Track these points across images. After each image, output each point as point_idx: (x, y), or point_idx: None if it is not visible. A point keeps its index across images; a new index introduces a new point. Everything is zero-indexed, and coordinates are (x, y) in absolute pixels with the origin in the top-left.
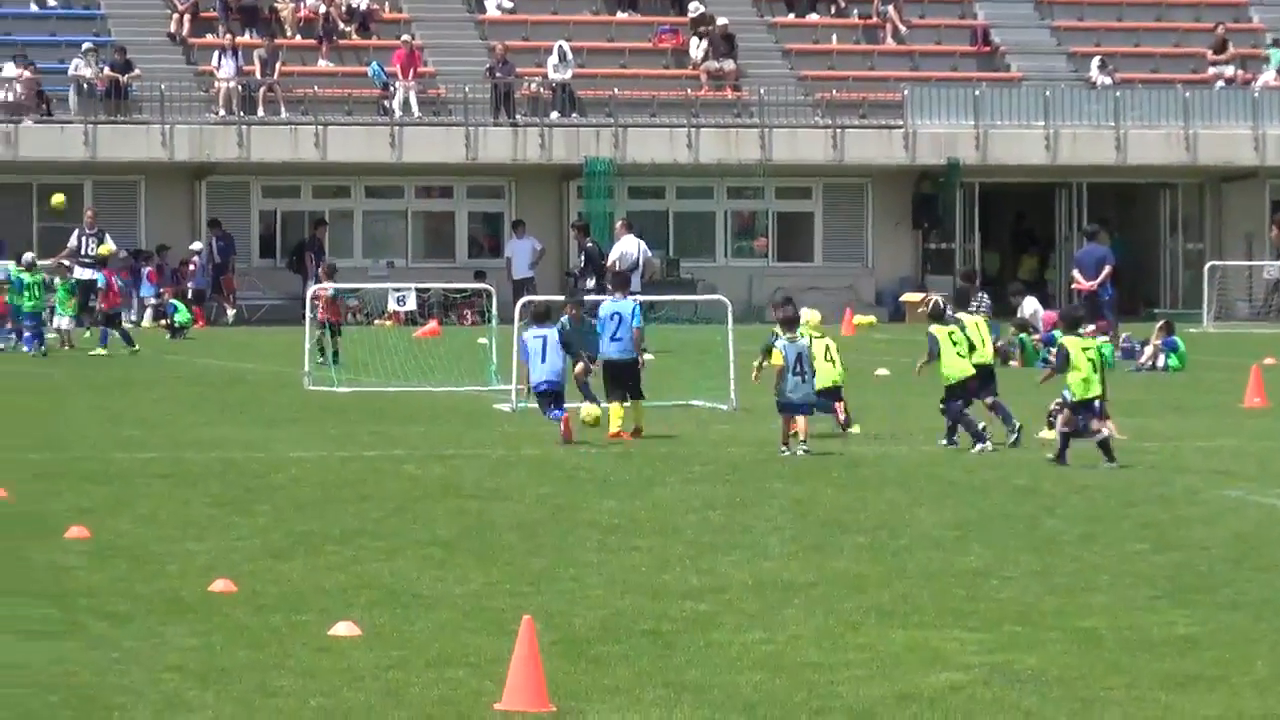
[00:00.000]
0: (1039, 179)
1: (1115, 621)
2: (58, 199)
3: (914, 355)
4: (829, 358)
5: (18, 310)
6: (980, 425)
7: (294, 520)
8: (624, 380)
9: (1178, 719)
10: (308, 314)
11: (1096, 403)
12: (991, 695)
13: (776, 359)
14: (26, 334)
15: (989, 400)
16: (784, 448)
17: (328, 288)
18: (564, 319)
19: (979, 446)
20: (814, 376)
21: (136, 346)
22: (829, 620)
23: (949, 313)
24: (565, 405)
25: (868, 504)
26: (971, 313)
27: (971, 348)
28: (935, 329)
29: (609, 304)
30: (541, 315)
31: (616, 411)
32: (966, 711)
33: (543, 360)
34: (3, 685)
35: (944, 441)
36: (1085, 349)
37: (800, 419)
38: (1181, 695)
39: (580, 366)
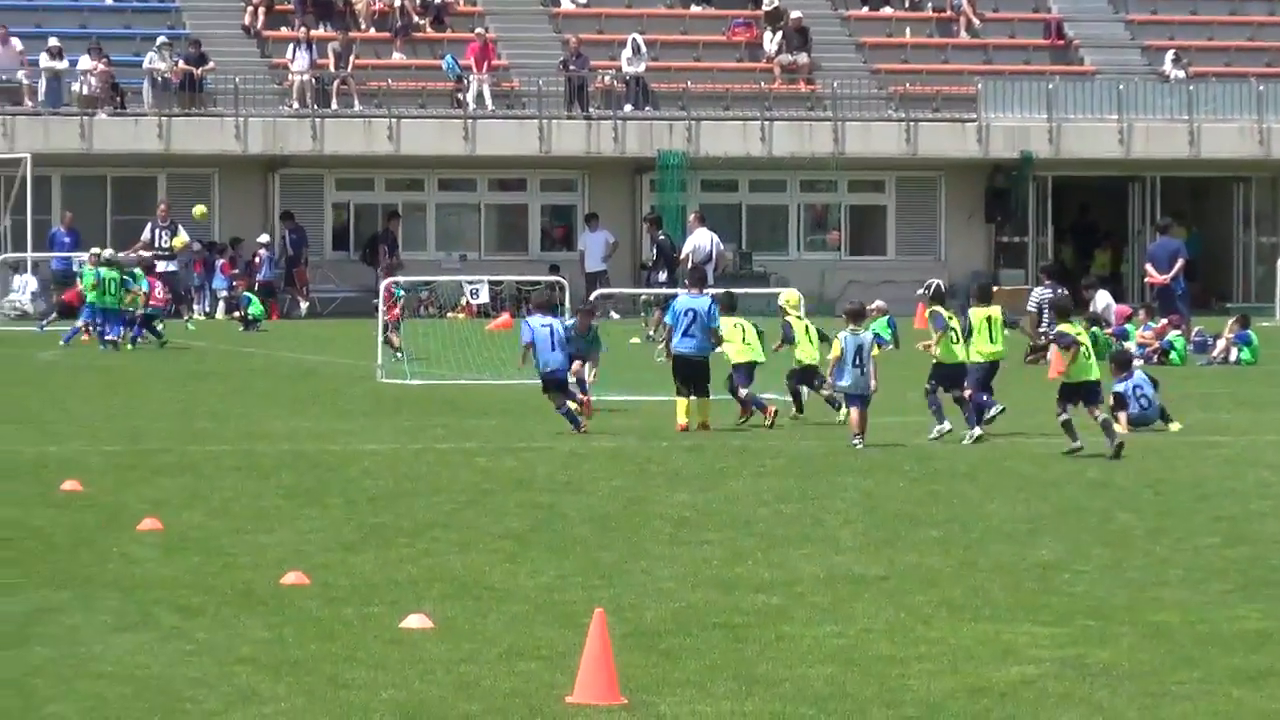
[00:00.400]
0: (1112, 172)
1: (1187, 616)
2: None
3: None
4: (810, 339)
5: (103, 305)
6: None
7: (366, 513)
8: (693, 377)
9: (1249, 714)
10: (381, 307)
11: (1093, 388)
12: (1063, 689)
13: (835, 350)
14: (103, 328)
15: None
16: (856, 439)
17: (399, 282)
18: (571, 322)
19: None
20: (871, 369)
21: (165, 339)
22: (900, 614)
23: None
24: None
25: (939, 497)
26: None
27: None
28: (941, 310)
29: (684, 299)
30: (545, 305)
31: (684, 405)
32: (1037, 705)
33: (552, 349)
34: (76, 677)
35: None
36: (1078, 334)
37: (854, 411)
38: (1253, 690)
39: (576, 364)
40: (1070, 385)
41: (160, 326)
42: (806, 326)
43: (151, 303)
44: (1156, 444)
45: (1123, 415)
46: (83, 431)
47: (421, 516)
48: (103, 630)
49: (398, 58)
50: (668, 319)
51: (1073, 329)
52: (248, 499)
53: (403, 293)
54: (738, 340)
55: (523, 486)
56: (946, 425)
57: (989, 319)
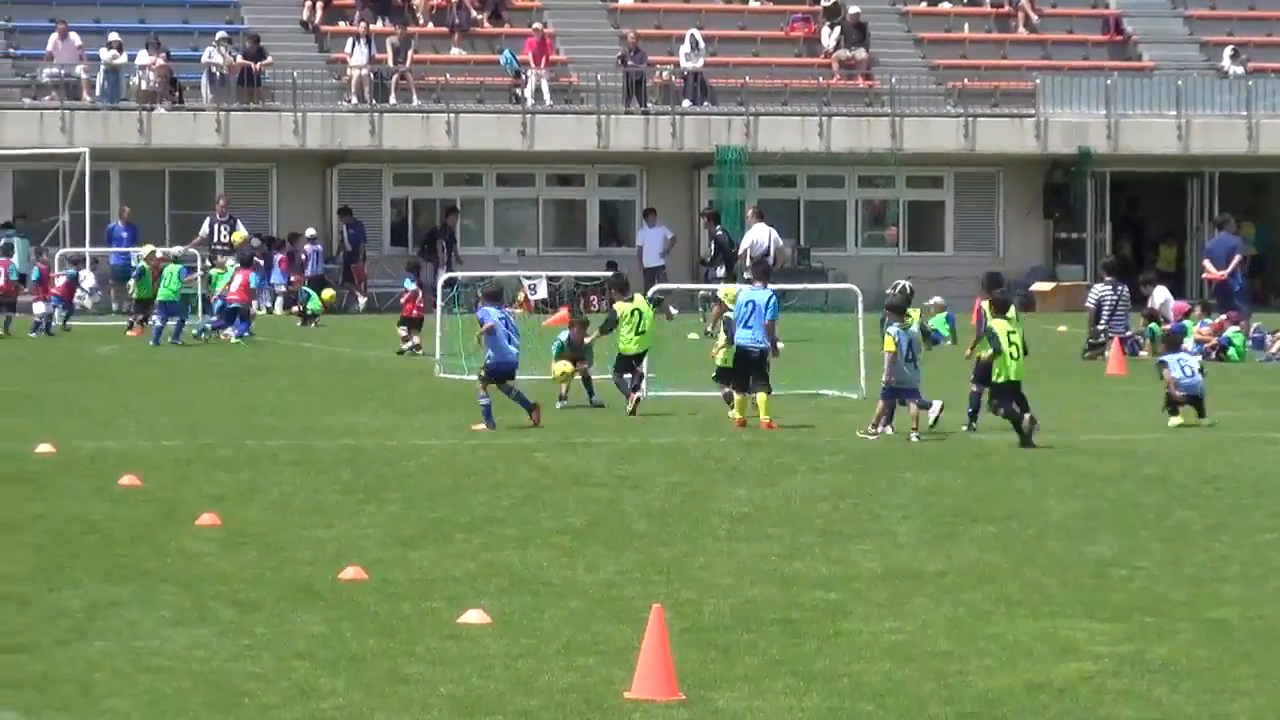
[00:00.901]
0: (1170, 168)
1: (1245, 612)
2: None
3: (1044, 345)
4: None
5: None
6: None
7: (424, 508)
8: (750, 370)
9: None
10: (439, 302)
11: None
12: (1121, 685)
13: (889, 345)
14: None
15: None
16: (888, 429)
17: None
18: (565, 335)
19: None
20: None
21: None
22: (958, 610)
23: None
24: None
25: (997, 493)
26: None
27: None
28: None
29: (746, 292)
30: (496, 295)
31: (740, 401)
32: (1095, 701)
33: (509, 340)
34: (135, 671)
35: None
36: (1010, 333)
37: (912, 405)
38: None
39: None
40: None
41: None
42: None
43: (233, 298)
44: (1214, 440)
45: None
46: (141, 426)
47: (479, 512)
48: (161, 625)
49: (456, 53)
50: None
51: (1005, 328)
52: (306, 494)
53: (414, 286)
54: (631, 330)
55: (581, 482)
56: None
57: (1008, 333)
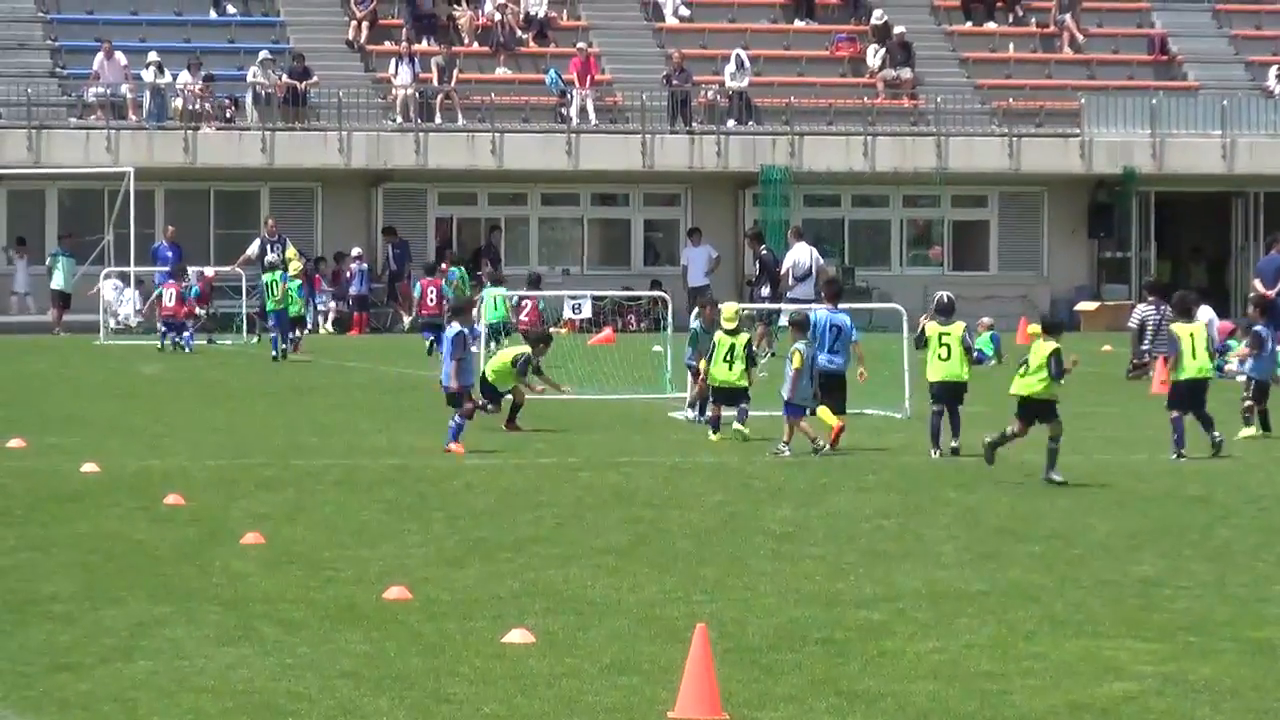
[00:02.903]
0: (1215, 188)
1: None
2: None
3: (1089, 364)
4: (735, 356)
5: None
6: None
7: (468, 527)
8: (831, 391)
9: None
10: (482, 320)
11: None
12: (1165, 705)
13: (796, 362)
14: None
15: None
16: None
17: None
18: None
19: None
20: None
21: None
22: (1002, 629)
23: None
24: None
25: (1041, 513)
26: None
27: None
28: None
29: (824, 314)
30: (462, 310)
31: (826, 413)
32: None
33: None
34: (179, 690)
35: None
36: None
37: (803, 422)
38: None
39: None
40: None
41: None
42: (732, 345)
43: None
44: (1259, 460)
45: None
46: (186, 445)
47: (523, 531)
48: (205, 644)
49: (501, 72)
50: (812, 335)
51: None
52: (350, 513)
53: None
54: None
55: (624, 501)
56: (933, 454)
57: (941, 335)
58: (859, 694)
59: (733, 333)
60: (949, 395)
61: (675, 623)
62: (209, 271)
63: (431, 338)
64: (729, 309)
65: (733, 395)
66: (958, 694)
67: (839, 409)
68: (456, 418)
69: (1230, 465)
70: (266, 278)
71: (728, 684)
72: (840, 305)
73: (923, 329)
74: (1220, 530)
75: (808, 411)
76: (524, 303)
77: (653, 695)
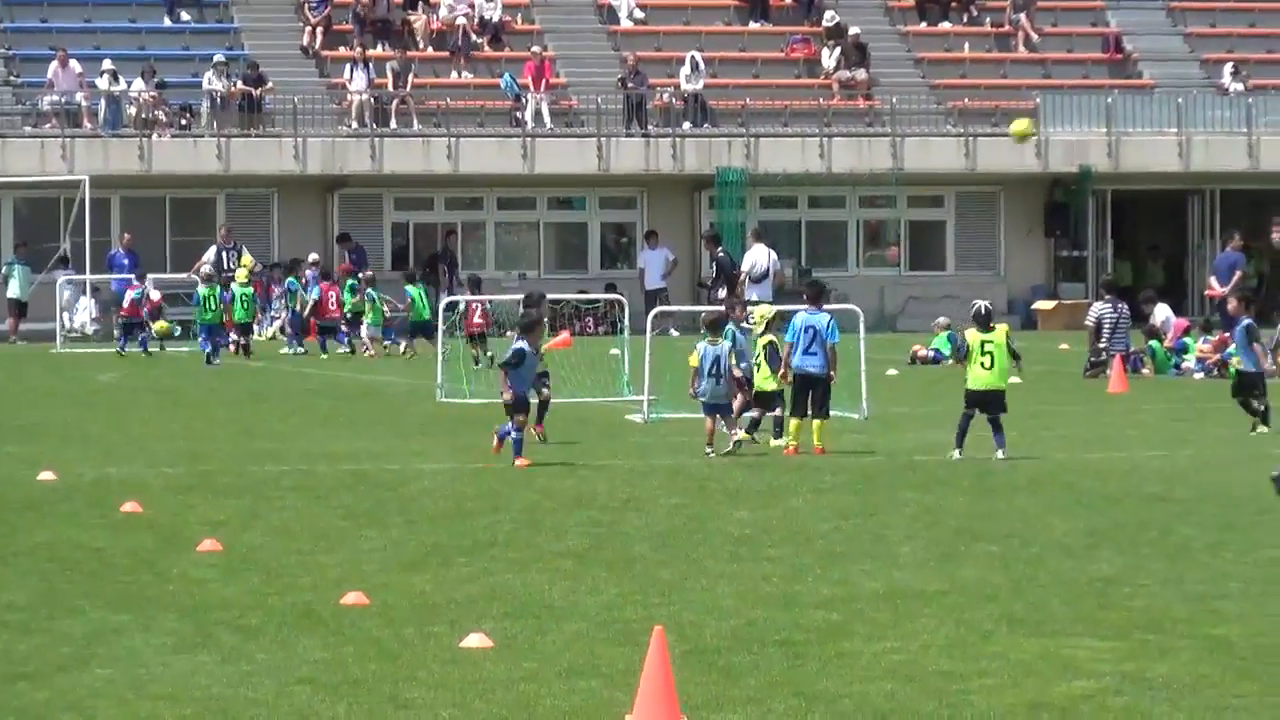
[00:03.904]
0: (1171, 185)
1: (1247, 629)
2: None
3: (1046, 362)
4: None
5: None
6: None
7: (426, 532)
8: (810, 395)
9: None
10: (440, 325)
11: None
12: (1122, 704)
13: (693, 360)
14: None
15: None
16: (708, 449)
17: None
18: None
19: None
20: (728, 380)
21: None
22: (960, 629)
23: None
24: None
25: (999, 512)
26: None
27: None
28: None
29: (803, 316)
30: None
31: (795, 425)
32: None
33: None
34: (136, 698)
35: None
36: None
37: (709, 421)
38: None
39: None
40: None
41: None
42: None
43: (130, 312)
44: (1217, 457)
45: None
46: (142, 453)
47: (481, 535)
48: (162, 651)
49: (456, 77)
50: (787, 336)
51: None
52: (307, 519)
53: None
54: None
55: (582, 505)
56: (955, 454)
57: (983, 344)
58: (817, 695)
59: (761, 335)
60: (986, 404)
61: (633, 625)
62: (155, 295)
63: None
64: (760, 311)
65: (768, 399)
66: (916, 694)
67: (820, 411)
68: (511, 431)
69: (1189, 462)
70: (203, 291)
71: (685, 686)
72: (821, 307)
73: (962, 339)
74: (1179, 528)
75: (778, 412)
76: (473, 306)
77: (611, 698)
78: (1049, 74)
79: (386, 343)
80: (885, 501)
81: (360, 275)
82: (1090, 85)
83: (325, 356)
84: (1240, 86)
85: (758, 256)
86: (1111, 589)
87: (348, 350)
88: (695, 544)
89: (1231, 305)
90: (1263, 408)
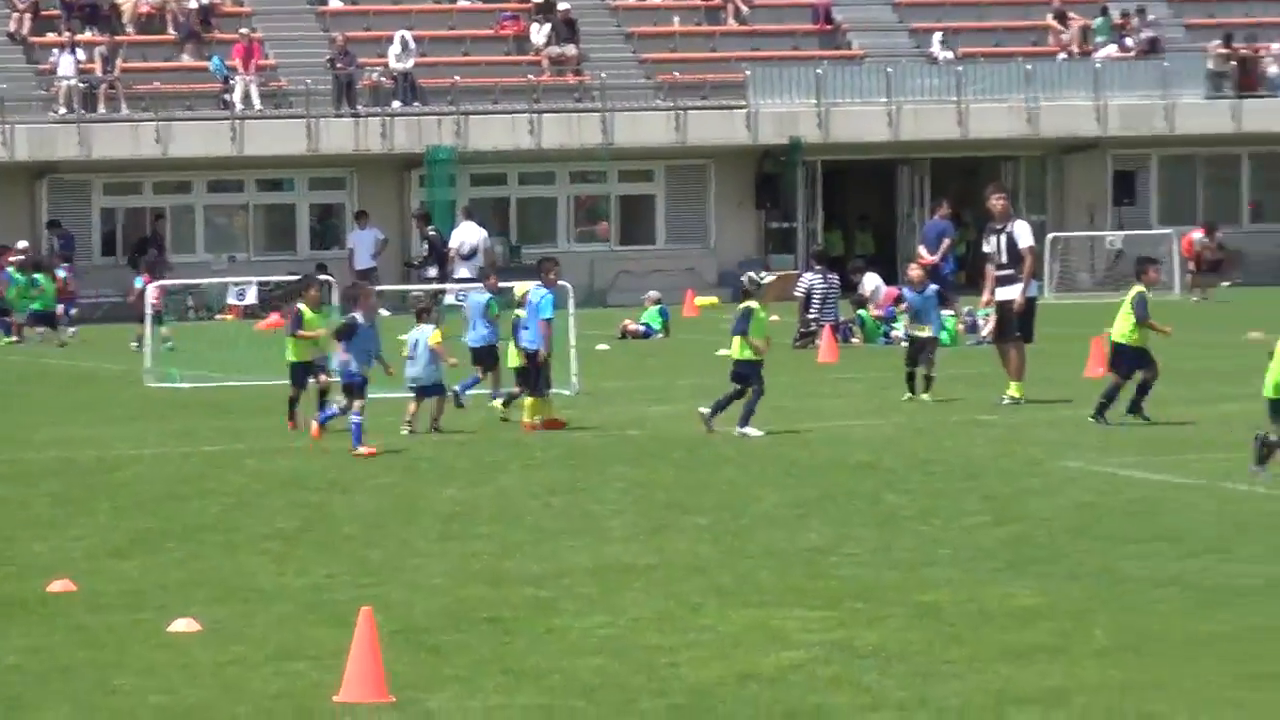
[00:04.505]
0: (881, 155)
1: (956, 595)
2: None
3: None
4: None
5: None
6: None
7: (135, 518)
8: (527, 371)
9: (1018, 690)
10: (148, 311)
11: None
12: (832, 673)
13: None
14: None
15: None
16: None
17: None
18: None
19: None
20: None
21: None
22: (669, 602)
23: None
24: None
25: (708, 485)
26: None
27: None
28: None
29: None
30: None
31: (531, 403)
32: (807, 689)
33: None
34: None
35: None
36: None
37: (426, 401)
38: (1022, 666)
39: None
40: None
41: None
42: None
43: None
44: (925, 425)
45: None
46: None
47: (190, 520)
48: None
49: (164, 60)
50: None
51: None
52: (14, 507)
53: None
54: None
55: (292, 487)
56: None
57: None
58: (526, 671)
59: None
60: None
61: (342, 607)
62: None
63: None
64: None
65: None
66: (625, 668)
67: (538, 389)
68: (334, 413)
69: (896, 431)
70: None
71: (394, 666)
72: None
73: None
74: (887, 496)
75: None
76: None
77: (319, 680)
78: (759, 46)
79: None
80: (596, 477)
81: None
82: (800, 57)
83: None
84: (950, 55)
85: (466, 234)
86: (820, 559)
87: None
88: (405, 523)
89: (914, 274)
90: (933, 375)
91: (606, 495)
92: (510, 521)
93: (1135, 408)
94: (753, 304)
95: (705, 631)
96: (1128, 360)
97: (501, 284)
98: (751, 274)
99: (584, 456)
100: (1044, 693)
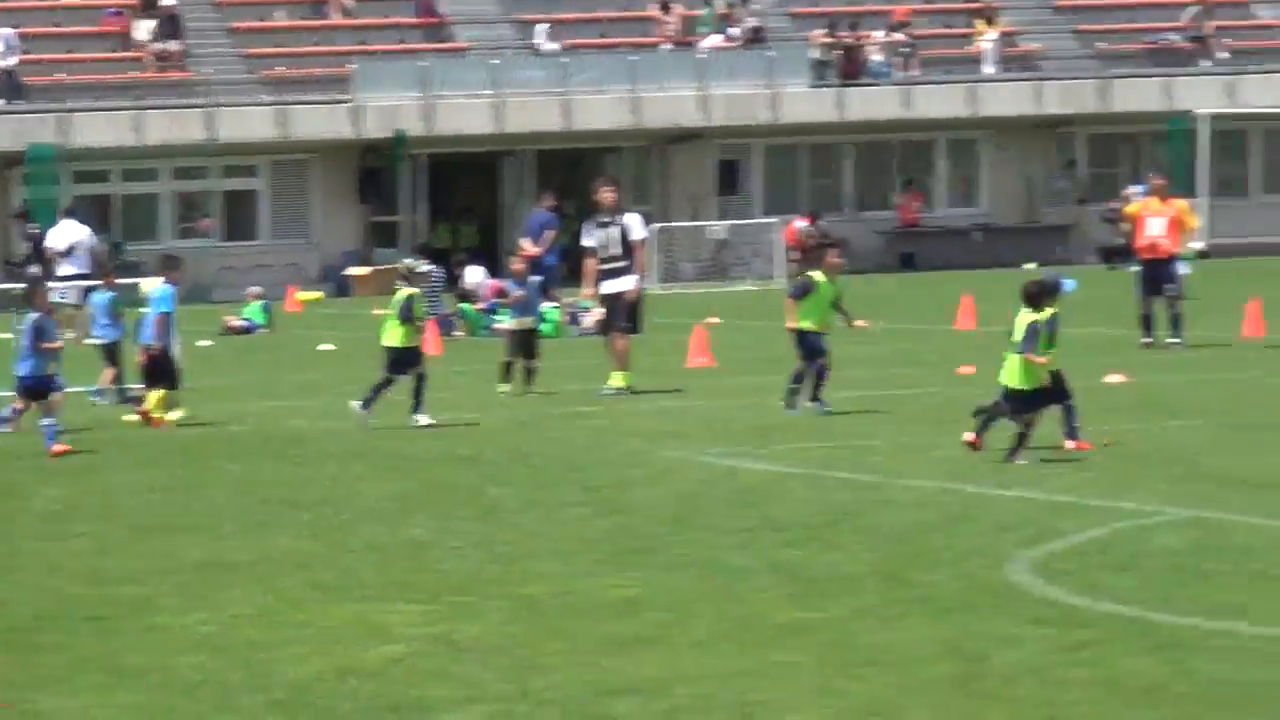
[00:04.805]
0: (487, 148)
1: (556, 587)
2: None
3: (357, 330)
4: None
5: None
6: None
7: None
8: (152, 367)
9: (617, 680)
10: None
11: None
12: (432, 666)
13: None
14: None
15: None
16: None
17: None
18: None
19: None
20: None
21: None
22: (270, 598)
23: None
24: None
25: (311, 479)
26: None
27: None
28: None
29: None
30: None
31: (153, 396)
32: (407, 683)
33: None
34: None
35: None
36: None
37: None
38: (621, 657)
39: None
40: None
41: None
42: None
43: None
44: (528, 417)
45: None
46: None
47: None
48: None
49: None
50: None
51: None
52: None
53: None
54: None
55: None
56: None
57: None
58: (126, 670)
59: None
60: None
61: None
62: None
63: None
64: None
65: None
66: (225, 664)
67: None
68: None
69: (501, 424)
70: None
71: None
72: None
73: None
74: (489, 489)
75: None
76: None
77: None
78: (365, 40)
79: None
80: (200, 473)
81: None
82: (405, 50)
83: None
84: (556, 46)
85: (66, 232)
86: (423, 552)
87: None
88: (2, 521)
89: (517, 266)
90: (536, 367)
91: (211, 492)
92: (112, 519)
93: (815, 396)
94: (412, 290)
95: (306, 627)
96: (809, 346)
97: (119, 280)
98: (408, 260)
99: (189, 452)
100: (644, 682)
